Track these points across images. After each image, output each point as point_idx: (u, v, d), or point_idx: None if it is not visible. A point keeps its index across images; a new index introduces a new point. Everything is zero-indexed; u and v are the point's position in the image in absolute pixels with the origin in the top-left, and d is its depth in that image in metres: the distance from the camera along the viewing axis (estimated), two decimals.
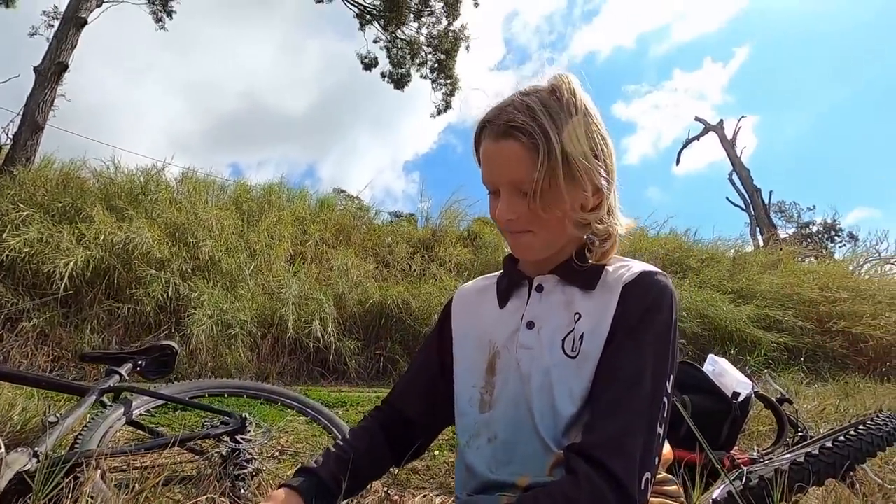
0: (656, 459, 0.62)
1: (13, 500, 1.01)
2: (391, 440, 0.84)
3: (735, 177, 17.17)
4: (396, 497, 1.55)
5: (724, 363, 1.68)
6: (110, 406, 1.41)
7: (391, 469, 0.87)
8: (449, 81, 9.33)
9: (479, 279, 0.88)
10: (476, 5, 9.40)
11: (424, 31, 9.15)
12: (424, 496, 1.57)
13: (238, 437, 1.45)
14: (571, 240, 0.73)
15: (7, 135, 5.66)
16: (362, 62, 9.56)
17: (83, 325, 3.48)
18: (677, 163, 18.75)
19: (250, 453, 1.43)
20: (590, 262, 0.72)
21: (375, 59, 9.51)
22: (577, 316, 0.70)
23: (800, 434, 1.84)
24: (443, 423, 0.87)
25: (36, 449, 1.10)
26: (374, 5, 9.08)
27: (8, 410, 1.57)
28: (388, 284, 4.73)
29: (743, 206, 17.05)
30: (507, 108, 0.67)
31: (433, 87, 9.44)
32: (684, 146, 18.28)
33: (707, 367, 1.67)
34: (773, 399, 1.85)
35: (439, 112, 9.57)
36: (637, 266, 0.71)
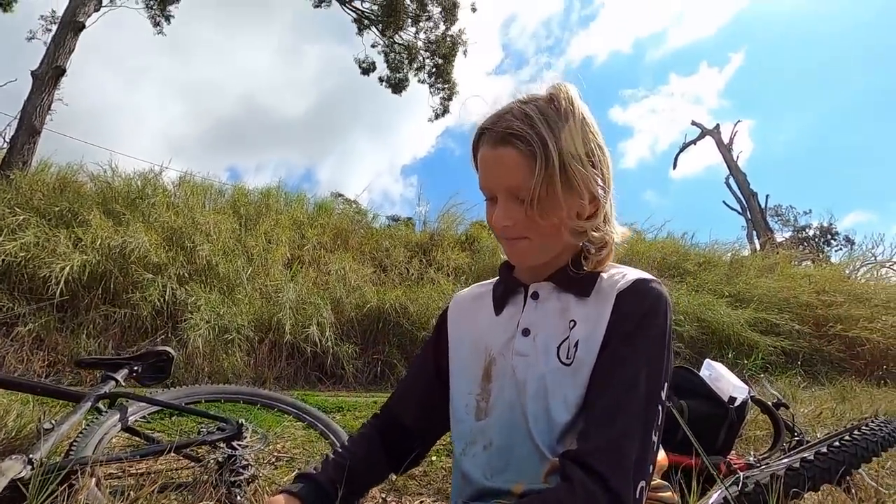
0: (651, 467, 0.62)
1: None
2: (389, 447, 0.84)
3: (731, 181, 17.26)
4: (394, 502, 1.55)
5: (720, 368, 1.68)
6: (106, 412, 1.41)
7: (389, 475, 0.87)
8: (447, 86, 9.37)
9: (475, 286, 0.88)
10: (474, 10, 9.47)
11: (422, 35, 9.20)
12: (421, 503, 1.56)
13: (234, 444, 1.45)
14: (567, 247, 0.73)
15: (4, 139, 5.66)
16: (360, 66, 9.61)
17: (79, 330, 3.47)
18: (674, 167, 18.86)
19: (247, 459, 1.42)
20: (585, 269, 0.72)
21: (373, 63, 9.56)
22: (572, 323, 0.70)
23: (796, 439, 1.84)
24: (440, 429, 0.87)
25: (31, 456, 1.09)
26: (371, 10, 9.12)
27: (2, 417, 1.56)
28: (386, 289, 4.73)
29: (739, 210, 17.14)
30: (506, 115, 0.68)
31: (431, 92, 9.49)
32: (681, 150, 18.39)
33: (703, 372, 1.67)
34: (770, 403, 1.85)
35: (437, 116, 9.63)
36: (632, 273, 0.72)
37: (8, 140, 5.52)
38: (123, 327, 3.61)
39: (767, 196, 16.73)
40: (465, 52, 9.26)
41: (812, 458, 1.20)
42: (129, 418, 1.45)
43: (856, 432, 1.32)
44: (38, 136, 5.51)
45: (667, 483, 0.77)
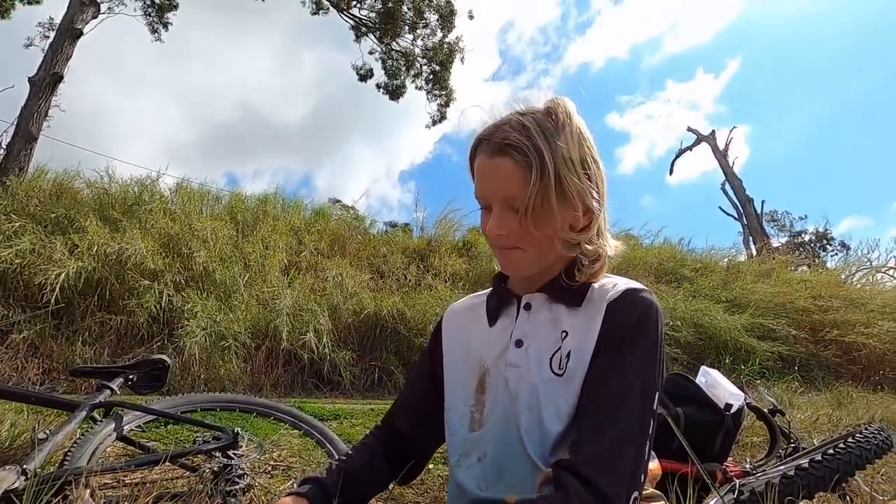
0: (642, 476, 0.63)
1: None
2: (390, 456, 0.85)
3: (728, 186, 17.33)
4: None
5: (716, 375, 1.69)
6: (101, 421, 1.40)
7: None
8: (444, 92, 9.41)
9: (468, 297, 0.89)
10: (471, 17, 9.53)
11: (420, 42, 9.25)
12: None
13: (230, 453, 1.44)
14: (560, 259, 0.74)
15: (0, 145, 5.64)
16: (358, 73, 9.65)
17: (74, 338, 3.45)
18: (670, 173, 18.95)
19: (242, 469, 1.41)
20: (578, 281, 0.73)
21: (371, 70, 9.60)
22: (563, 334, 0.71)
23: (792, 445, 1.85)
24: (438, 440, 0.87)
25: (24, 466, 1.08)
26: (369, 17, 9.17)
27: None
28: (383, 295, 4.72)
29: (736, 216, 17.20)
30: (504, 126, 0.69)
31: (428, 98, 9.53)
32: (677, 156, 18.46)
33: (700, 379, 1.68)
34: (766, 410, 1.86)
35: (434, 123, 9.65)
36: (622, 283, 0.73)
37: (4, 146, 5.51)
38: (119, 334, 3.60)
39: (763, 202, 16.83)
40: (462, 59, 9.32)
41: (807, 465, 1.20)
42: (125, 427, 1.44)
43: (849, 440, 1.33)
44: (34, 142, 5.51)
45: (660, 493, 0.77)
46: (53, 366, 3.28)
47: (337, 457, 0.85)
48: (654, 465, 0.77)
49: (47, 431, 1.25)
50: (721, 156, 17.13)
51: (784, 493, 1.10)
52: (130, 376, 1.56)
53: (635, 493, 0.60)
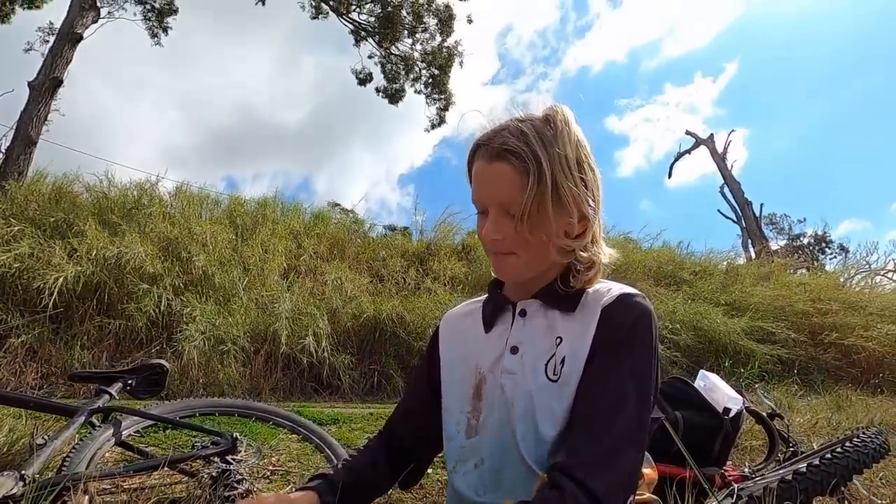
0: (637, 480, 0.63)
1: None
2: (391, 460, 0.86)
3: (726, 189, 17.37)
4: None
5: (714, 378, 1.69)
6: (99, 427, 1.40)
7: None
8: (443, 96, 9.44)
9: (465, 304, 0.90)
10: (470, 21, 9.56)
11: (419, 47, 9.29)
12: None
13: (229, 458, 1.44)
14: (554, 265, 0.74)
15: (0, 149, 5.65)
16: (357, 77, 9.68)
17: (73, 342, 3.44)
18: (669, 176, 19.00)
19: (241, 474, 1.41)
20: (573, 287, 0.73)
21: (370, 74, 9.64)
22: (558, 340, 0.71)
23: (791, 449, 1.85)
24: (438, 444, 0.87)
25: (23, 472, 1.08)
26: (368, 22, 9.21)
27: None
28: (383, 298, 4.72)
29: (734, 219, 17.23)
30: (502, 131, 0.70)
31: (427, 102, 9.56)
32: (676, 160, 18.52)
33: (698, 383, 1.68)
34: (764, 415, 1.86)
35: (433, 126, 9.69)
36: (617, 288, 0.73)
37: (4, 150, 5.52)
38: (118, 338, 3.59)
39: (762, 205, 16.87)
40: (461, 63, 9.36)
41: (805, 469, 1.20)
42: (123, 433, 1.44)
43: (847, 444, 1.33)
44: (34, 146, 5.52)
45: (657, 498, 0.77)
46: (52, 370, 3.27)
47: (335, 462, 0.85)
48: (651, 469, 0.77)
49: (46, 437, 1.25)
50: (720, 159, 17.18)
51: (782, 498, 1.10)
52: (129, 381, 1.56)
53: (631, 498, 0.61)
